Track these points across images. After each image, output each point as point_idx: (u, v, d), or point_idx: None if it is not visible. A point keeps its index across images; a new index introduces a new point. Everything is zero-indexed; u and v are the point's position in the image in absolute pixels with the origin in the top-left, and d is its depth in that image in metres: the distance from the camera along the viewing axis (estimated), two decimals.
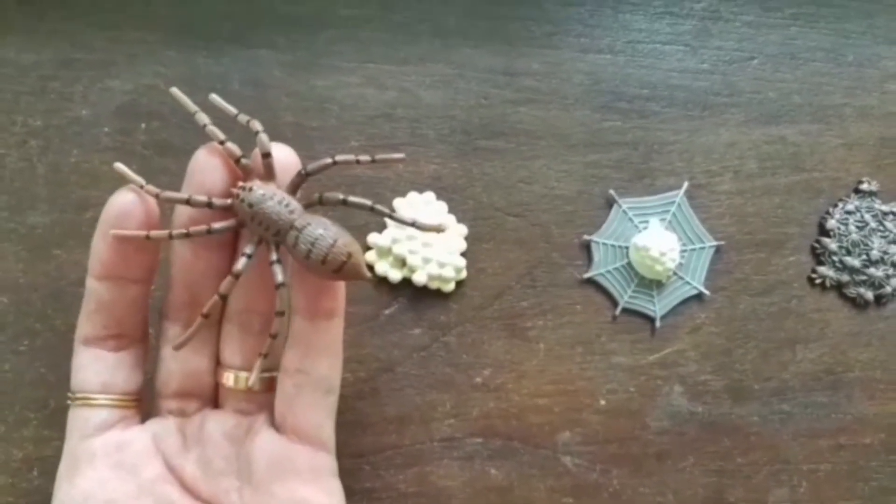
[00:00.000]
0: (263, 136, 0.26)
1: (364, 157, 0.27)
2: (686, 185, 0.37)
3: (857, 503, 0.37)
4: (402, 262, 0.35)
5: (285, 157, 0.26)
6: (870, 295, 0.38)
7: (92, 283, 0.26)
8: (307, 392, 0.27)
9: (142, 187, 0.25)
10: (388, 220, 0.36)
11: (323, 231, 0.25)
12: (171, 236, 0.25)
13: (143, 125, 0.36)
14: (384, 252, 0.35)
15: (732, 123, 0.38)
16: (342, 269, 0.25)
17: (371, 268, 0.36)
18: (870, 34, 0.40)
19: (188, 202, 0.25)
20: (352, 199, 0.27)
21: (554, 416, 0.36)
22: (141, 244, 0.25)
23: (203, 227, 0.25)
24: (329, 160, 0.26)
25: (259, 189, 0.25)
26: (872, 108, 0.39)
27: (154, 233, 0.25)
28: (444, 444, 0.35)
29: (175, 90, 0.27)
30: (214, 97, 0.27)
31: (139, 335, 0.28)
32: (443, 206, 0.36)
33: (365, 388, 0.35)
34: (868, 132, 0.39)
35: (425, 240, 0.35)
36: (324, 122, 0.37)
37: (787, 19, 0.40)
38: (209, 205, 0.25)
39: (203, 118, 0.26)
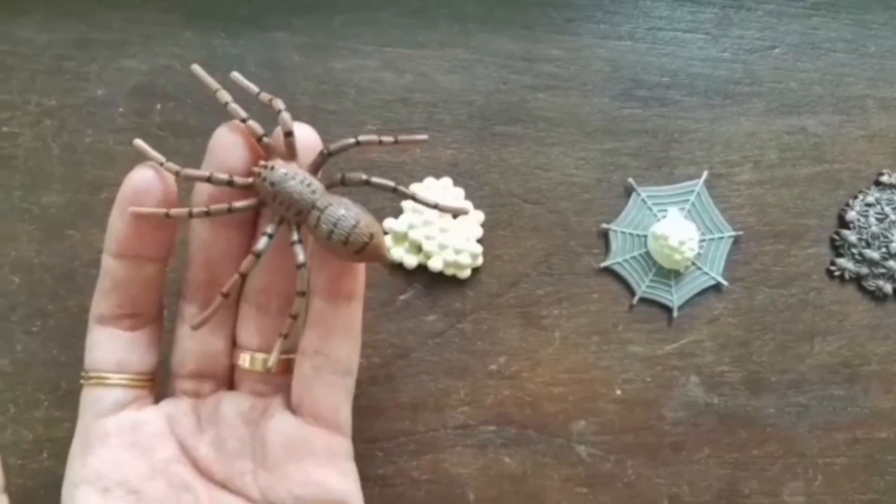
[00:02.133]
0: (286, 115, 0.25)
1: (387, 138, 0.27)
2: (706, 174, 0.37)
3: (872, 497, 0.36)
4: (418, 248, 0.35)
5: (307, 136, 0.26)
6: (889, 288, 0.37)
7: (108, 261, 0.26)
8: (325, 374, 0.27)
9: (161, 164, 0.25)
10: (404, 205, 0.35)
11: (345, 211, 0.25)
12: (190, 214, 0.25)
13: (159, 106, 0.36)
14: (400, 237, 0.35)
15: (753, 113, 0.38)
16: (364, 249, 0.25)
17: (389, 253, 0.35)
18: (891, 25, 0.39)
19: (209, 180, 0.25)
20: (375, 179, 0.26)
21: (569, 404, 0.36)
22: (158, 222, 0.25)
23: (224, 206, 0.25)
24: (352, 140, 0.26)
25: (281, 168, 0.25)
26: (894, 99, 0.39)
27: (174, 210, 0.25)
28: (457, 431, 0.35)
29: (196, 67, 0.26)
30: (236, 75, 0.27)
31: (154, 315, 0.28)
32: (460, 192, 0.36)
33: (379, 374, 0.35)
34: (889, 124, 0.39)
35: (442, 226, 0.35)
36: (340, 105, 0.36)
37: (808, 9, 0.39)
38: (230, 183, 0.25)
39: (225, 96, 0.26)
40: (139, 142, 0.25)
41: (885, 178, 0.38)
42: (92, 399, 0.27)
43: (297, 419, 0.27)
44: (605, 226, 0.36)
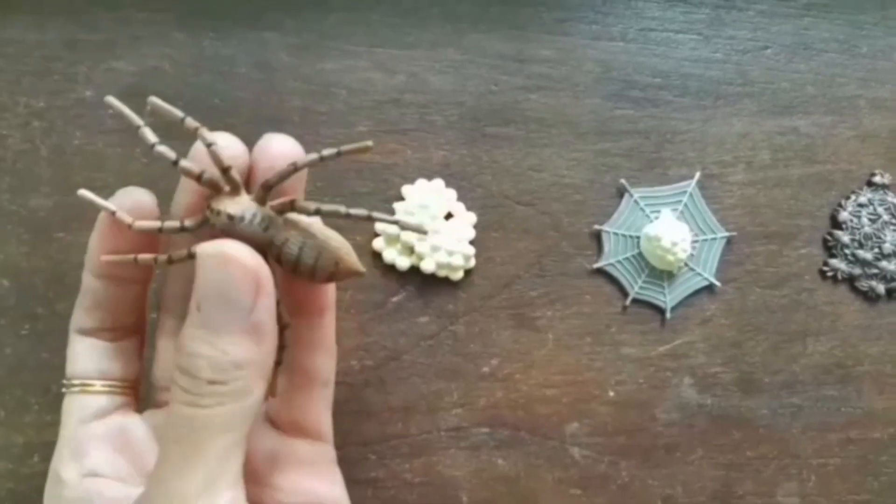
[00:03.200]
0: (216, 149, 0.23)
1: (329, 152, 0.24)
2: (698, 175, 0.37)
3: (866, 497, 0.36)
4: (410, 250, 0.35)
5: (243, 161, 0.24)
6: (881, 288, 0.37)
7: (88, 279, 0.25)
8: (304, 388, 0.27)
9: (113, 214, 0.24)
10: (396, 207, 0.35)
11: (304, 244, 0.23)
12: (155, 261, 0.24)
13: (149, 108, 0.35)
14: (392, 239, 0.35)
15: (745, 114, 0.38)
16: (333, 277, 0.24)
17: (379, 255, 0.35)
18: (883, 25, 0.40)
19: (160, 231, 0.24)
20: (325, 207, 0.24)
21: (562, 406, 0.35)
22: (139, 247, 0.24)
23: (184, 252, 0.24)
24: (290, 166, 0.23)
25: (225, 211, 0.23)
26: (886, 100, 0.39)
27: (141, 257, 0.24)
28: (450, 433, 0.35)
29: (110, 99, 0.23)
30: (154, 100, 0.23)
31: (136, 326, 0.27)
32: (452, 193, 0.36)
33: (371, 377, 0.35)
34: (881, 124, 0.39)
35: (434, 227, 0.35)
36: (331, 106, 0.36)
37: (800, 9, 0.39)
38: (182, 229, 0.24)
39: (149, 136, 0.23)
40: (84, 192, 0.24)
41: (877, 179, 0.38)
42: (76, 406, 0.26)
43: (278, 432, 0.27)
44: (597, 227, 0.36)
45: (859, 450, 0.37)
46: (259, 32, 0.36)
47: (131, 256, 0.24)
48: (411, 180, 0.36)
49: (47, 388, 0.34)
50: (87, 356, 0.26)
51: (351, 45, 0.37)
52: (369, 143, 0.23)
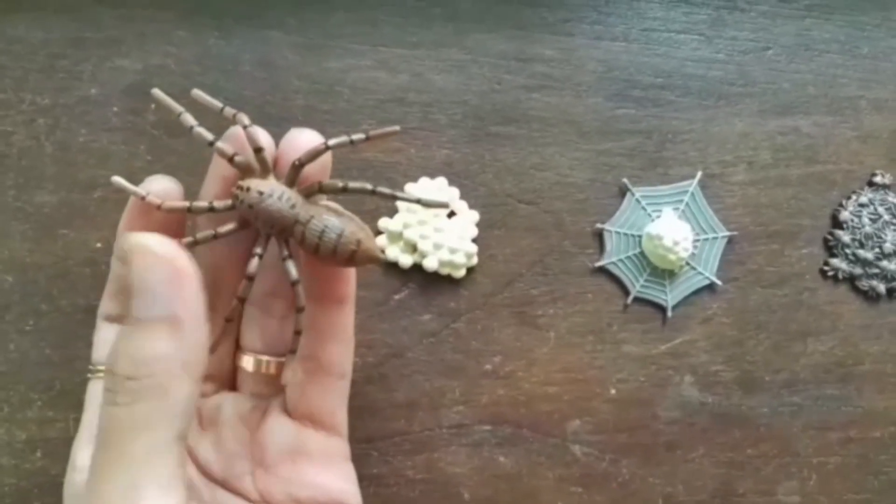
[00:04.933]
0: (253, 130, 0.25)
1: (358, 136, 0.25)
2: (700, 174, 0.37)
3: (866, 496, 0.37)
4: (412, 248, 0.35)
5: (270, 146, 0.25)
6: (882, 288, 0.37)
7: (117, 265, 0.26)
8: (319, 378, 0.27)
9: (143, 199, 0.24)
10: (399, 205, 0.35)
11: (328, 222, 0.24)
12: (196, 241, 0.25)
13: (153, 105, 0.35)
14: (395, 237, 0.35)
15: (747, 114, 0.38)
16: (354, 257, 0.25)
17: (382, 252, 0.35)
18: (884, 27, 0.40)
19: (189, 210, 0.24)
20: (352, 184, 0.25)
21: (563, 404, 0.36)
22: (166, 232, 0.25)
23: (210, 233, 0.25)
24: (321, 145, 0.25)
25: (256, 188, 0.24)
26: (887, 100, 0.39)
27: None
28: (452, 430, 0.35)
29: (157, 91, 0.26)
30: (197, 92, 0.26)
31: None
32: (455, 191, 0.36)
33: (374, 374, 0.35)
34: (882, 125, 0.39)
35: (437, 225, 0.35)
36: (335, 105, 0.36)
37: (802, 10, 0.39)
38: (211, 209, 0.25)
39: (189, 119, 0.25)
40: (118, 179, 0.25)
41: (878, 179, 0.38)
42: (98, 391, 0.26)
43: (294, 422, 0.27)
44: (599, 226, 0.37)
45: (860, 449, 0.37)
46: (263, 31, 0.37)
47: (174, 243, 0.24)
48: (414, 178, 0.36)
49: (50, 385, 0.34)
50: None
51: (355, 44, 0.37)
52: (397, 127, 0.26)
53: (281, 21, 0.37)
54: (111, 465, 0.20)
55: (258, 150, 0.25)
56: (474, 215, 0.36)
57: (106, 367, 0.21)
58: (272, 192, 0.24)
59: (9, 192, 0.35)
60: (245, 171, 0.25)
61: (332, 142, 0.25)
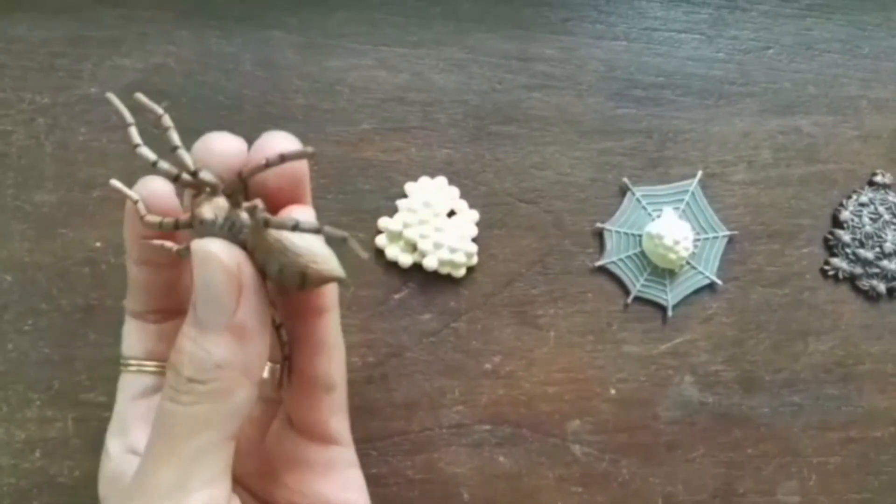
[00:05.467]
0: (182, 153, 0.22)
1: (273, 157, 0.22)
2: (700, 174, 0.37)
3: (866, 496, 0.36)
4: (412, 247, 0.35)
5: (241, 159, 0.24)
6: (882, 287, 0.37)
7: (129, 266, 0.26)
8: (307, 391, 0.26)
9: (136, 202, 0.24)
10: (399, 204, 0.35)
11: (269, 257, 0.22)
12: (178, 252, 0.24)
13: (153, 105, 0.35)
14: (395, 236, 0.35)
15: (747, 113, 0.38)
16: (304, 285, 0.23)
17: (381, 252, 0.35)
18: (885, 26, 0.40)
19: (160, 227, 0.23)
20: (273, 219, 0.22)
21: (564, 404, 0.36)
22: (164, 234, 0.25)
23: (184, 246, 0.23)
24: (262, 162, 0.22)
25: (199, 215, 0.22)
26: (888, 100, 0.39)
27: (167, 244, 0.24)
28: (452, 430, 0.35)
29: (111, 95, 0.23)
30: (139, 96, 0.23)
31: (180, 310, 0.27)
32: (455, 191, 0.36)
33: (374, 373, 0.35)
34: (883, 124, 0.39)
35: (437, 225, 0.35)
36: (335, 104, 0.36)
37: (803, 10, 0.39)
38: (176, 226, 0.23)
39: (134, 136, 0.23)
40: (115, 182, 0.24)
41: (878, 178, 0.38)
42: (126, 383, 0.27)
43: (293, 432, 0.27)
44: (599, 225, 0.36)
45: (860, 448, 0.37)
46: (264, 30, 0.37)
47: (159, 243, 0.24)
48: (414, 178, 0.36)
49: (49, 384, 0.34)
50: (136, 337, 0.27)
51: (355, 43, 0.37)
52: (312, 149, 0.22)
53: (281, 21, 0.37)
54: (163, 457, 0.21)
55: (194, 174, 0.22)
56: (474, 215, 0.36)
57: (169, 364, 0.22)
58: (215, 219, 0.22)
59: (8, 191, 0.35)
60: (195, 188, 0.23)
61: (245, 171, 0.22)
